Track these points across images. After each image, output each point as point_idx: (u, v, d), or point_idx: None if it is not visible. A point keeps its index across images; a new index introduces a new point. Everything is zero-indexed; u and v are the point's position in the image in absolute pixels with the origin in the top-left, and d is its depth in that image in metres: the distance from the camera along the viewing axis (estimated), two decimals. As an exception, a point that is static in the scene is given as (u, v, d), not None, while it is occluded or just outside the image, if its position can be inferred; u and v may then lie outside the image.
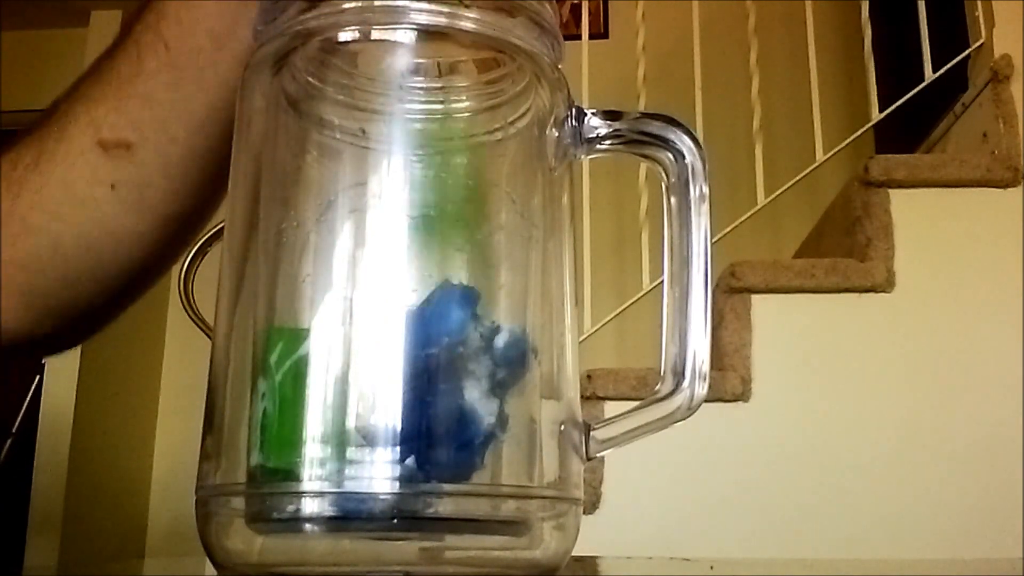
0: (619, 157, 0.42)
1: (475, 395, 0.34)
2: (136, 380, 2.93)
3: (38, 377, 2.64)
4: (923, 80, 1.84)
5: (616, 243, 2.49)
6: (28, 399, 2.64)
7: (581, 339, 1.73)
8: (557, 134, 0.40)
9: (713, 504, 1.53)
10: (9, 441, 2.60)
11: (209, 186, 0.52)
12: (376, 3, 0.38)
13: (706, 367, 0.39)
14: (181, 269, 1.84)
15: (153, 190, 0.50)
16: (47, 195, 0.50)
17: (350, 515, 0.33)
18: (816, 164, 1.86)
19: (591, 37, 2.04)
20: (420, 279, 0.35)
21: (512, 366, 0.35)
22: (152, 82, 0.49)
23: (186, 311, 1.78)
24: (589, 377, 1.57)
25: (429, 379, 0.34)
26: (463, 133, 0.42)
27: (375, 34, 0.39)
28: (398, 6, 0.37)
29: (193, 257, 1.81)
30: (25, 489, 2.52)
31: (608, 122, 0.41)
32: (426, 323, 0.34)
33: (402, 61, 0.39)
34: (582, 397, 1.40)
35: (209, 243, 1.87)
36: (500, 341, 0.35)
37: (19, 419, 2.63)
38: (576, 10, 2.83)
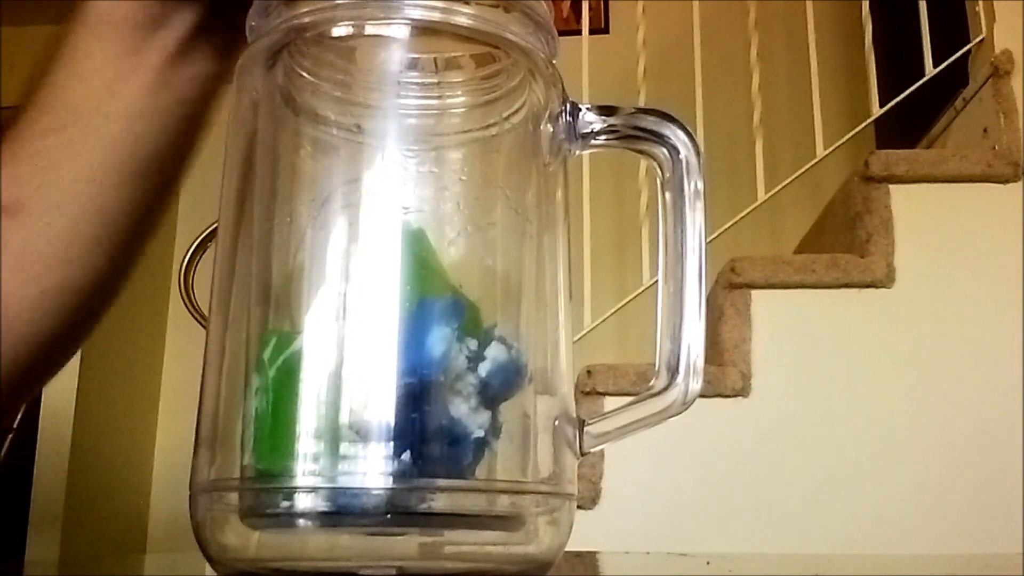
0: (617, 152, 0.42)
1: (463, 410, 0.34)
2: (137, 375, 2.94)
3: (39, 373, 2.64)
4: (924, 75, 1.84)
5: (616, 239, 2.49)
6: (29, 395, 2.64)
7: (581, 335, 1.73)
8: (551, 129, 0.40)
9: (712, 500, 1.53)
10: (10, 437, 2.61)
11: (107, 254, 0.47)
12: (370, -2, 0.38)
13: (700, 362, 0.39)
14: (182, 265, 1.85)
15: (36, 256, 0.46)
16: None
17: (344, 510, 0.33)
18: (816, 159, 1.86)
19: (591, 32, 2.04)
20: (413, 276, 0.35)
21: (504, 386, 0.35)
22: (45, 140, 0.46)
23: (186, 306, 1.78)
24: (589, 373, 1.57)
25: (421, 385, 0.34)
26: (458, 128, 0.42)
27: (369, 29, 0.39)
28: (392, 2, 0.37)
29: (193, 253, 1.81)
30: (26, 484, 2.52)
31: (603, 117, 0.41)
32: (416, 342, 0.34)
33: (397, 56, 0.39)
34: (582, 392, 1.39)
35: (209, 239, 1.87)
36: (485, 366, 0.35)
37: (19, 415, 2.63)
38: (577, 5, 2.83)
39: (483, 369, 0.34)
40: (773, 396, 1.57)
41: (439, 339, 0.34)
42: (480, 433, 0.34)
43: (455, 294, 0.36)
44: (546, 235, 0.39)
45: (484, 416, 0.34)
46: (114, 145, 0.46)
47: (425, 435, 0.34)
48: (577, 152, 0.41)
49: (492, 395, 0.35)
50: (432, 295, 0.35)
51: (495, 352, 0.35)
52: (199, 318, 1.73)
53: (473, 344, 0.34)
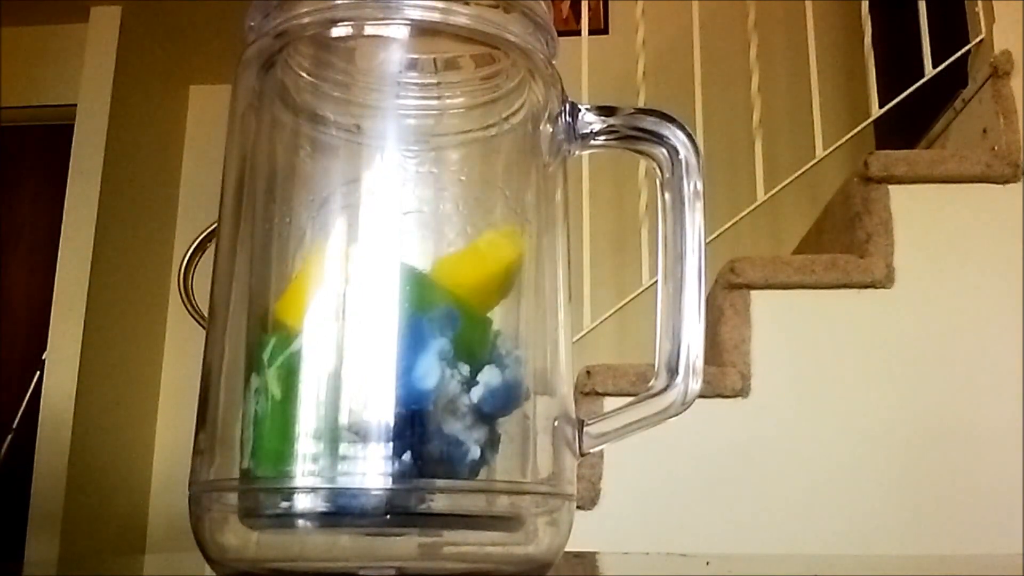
0: (616, 153, 0.42)
1: (457, 427, 0.34)
2: (137, 375, 2.94)
3: (38, 373, 2.64)
4: (923, 76, 1.84)
5: (616, 239, 2.49)
6: (28, 395, 2.64)
7: (581, 335, 1.73)
8: (551, 130, 0.40)
9: (712, 500, 1.53)
10: (9, 437, 2.61)
11: None
12: (370, -1, 0.38)
13: (699, 362, 0.39)
14: (181, 265, 1.84)
15: None
16: None
17: (343, 511, 0.33)
18: (816, 160, 1.85)
19: (591, 33, 2.04)
20: (412, 279, 0.35)
21: (498, 410, 0.35)
22: None
23: (186, 307, 1.78)
24: (588, 373, 1.57)
25: (420, 393, 0.34)
26: (457, 129, 0.41)
27: (369, 29, 0.39)
28: (391, 3, 0.37)
29: (192, 253, 1.81)
30: (26, 485, 2.52)
31: (602, 117, 0.41)
32: (414, 344, 0.34)
33: (396, 56, 0.39)
34: (582, 393, 1.39)
35: (209, 239, 1.87)
36: (478, 391, 0.34)
37: (19, 415, 2.63)
38: (576, 6, 2.83)
39: (475, 395, 0.34)
40: (772, 396, 1.56)
41: (435, 349, 0.34)
42: (476, 451, 0.34)
43: (451, 302, 0.36)
44: (545, 235, 0.39)
45: (480, 432, 0.34)
46: None
47: (424, 435, 0.34)
48: (576, 152, 0.41)
49: (487, 414, 0.35)
50: (430, 300, 0.35)
51: (488, 376, 0.35)
52: (198, 318, 1.73)
53: (466, 369, 0.34)
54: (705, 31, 1.99)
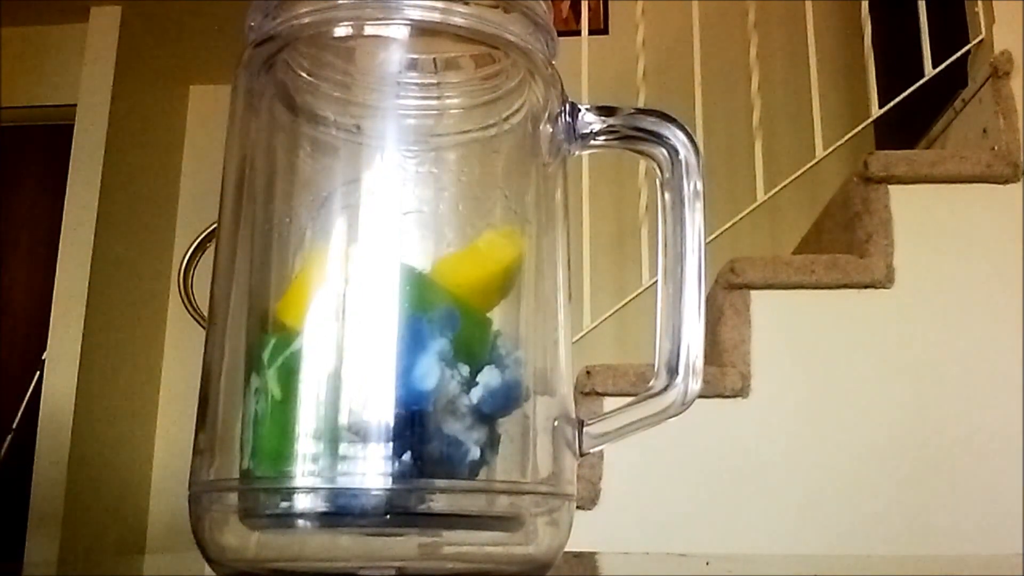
0: (616, 153, 0.42)
1: (457, 427, 0.34)
2: (137, 375, 2.94)
3: (38, 373, 2.64)
4: (923, 76, 1.84)
5: (616, 239, 2.49)
6: (28, 395, 2.64)
7: (581, 335, 1.73)
8: (551, 130, 0.40)
9: (712, 500, 1.53)
10: (9, 437, 2.61)
11: None
12: (370, -1, 0.38)
13: (699, 362, 0.39)
14: (181, 265, 1.84)
15: None
16: None
17: (343, 511, 0.33)
18: (816, 160, 1.85)
19: (591, 33, 2.03)
20: (412, 280, 0.35)
21: (498, 411, 0.35)
22: None
23: (185, 307, 1.78)
24: (588, 373, 1.57)
25: (419, 393, 0.34)
26: (457, 129, 0.41)
27: (369, 29, 0.39)
28: (391, 3, 0.37)
29: (192, 253, 1.81)
30: (26, 485, 2.52)
31: (602, 118, 0.41)
32: (414, 345, 0.34)
33: (396, 56, 0.39)
34: (582, 393, 1.39)
35: (209, 239, 1.87)
36: (477, 392, 0.34)
37: (19, 415, 2.63)
38: (576, 6, 2.83)
39: (475, 395, 0.34)
40: (772, 397, 1.56)
41: (435, 349, 0.34)
42: (476, 451, 0.34)
43: (451, 302, 0.36)
44: (545, 236, 0.39)
45: (480, 432, 0.34)
46: None
47: (424, 436, 0.34)
48: (576, 152, 0.41)
49: (487, 415, 0.35)
50: (430, 300, 0.35)
51: (488, 377, 0.35)
52: (198, 318, 1.73)
53: (466, 370, 0.34)
54: (705, 31, 1.99)
